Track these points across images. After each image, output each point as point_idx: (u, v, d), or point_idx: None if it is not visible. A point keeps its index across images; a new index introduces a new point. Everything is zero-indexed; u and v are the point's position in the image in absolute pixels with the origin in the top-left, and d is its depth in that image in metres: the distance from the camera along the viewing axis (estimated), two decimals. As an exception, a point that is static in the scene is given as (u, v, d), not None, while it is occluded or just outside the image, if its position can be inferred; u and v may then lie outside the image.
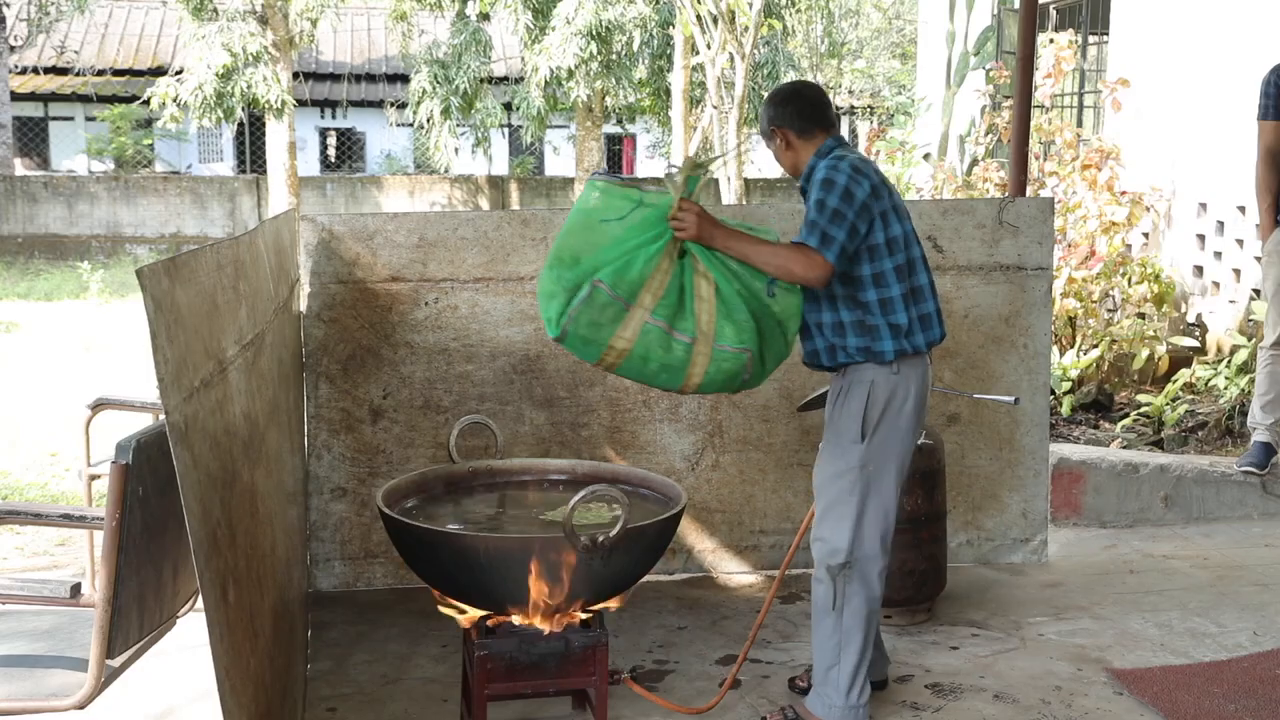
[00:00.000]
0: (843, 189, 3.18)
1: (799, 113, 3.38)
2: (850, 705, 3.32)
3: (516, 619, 3.14)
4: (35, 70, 23.85)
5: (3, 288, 15.40)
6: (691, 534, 4.68)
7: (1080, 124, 10.10)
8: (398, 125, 23.76)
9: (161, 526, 2.61)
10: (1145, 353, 6.91)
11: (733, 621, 4.27)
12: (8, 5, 21.33)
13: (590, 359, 3.16)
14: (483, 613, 3.18)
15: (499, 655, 3.09)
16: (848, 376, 3.33)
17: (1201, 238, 7.76)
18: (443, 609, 3.25)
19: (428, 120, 18.14)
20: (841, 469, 3.32)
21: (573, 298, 3.10)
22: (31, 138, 24.32)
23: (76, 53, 24.18)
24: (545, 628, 3.10)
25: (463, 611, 3.20)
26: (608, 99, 18.39)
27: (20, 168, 22.85)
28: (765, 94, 3.44)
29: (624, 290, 3.08)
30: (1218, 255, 7.58)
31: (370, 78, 25.43)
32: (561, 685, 3.21)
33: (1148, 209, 7.83)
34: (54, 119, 24.54)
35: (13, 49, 22.07)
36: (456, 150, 18.90)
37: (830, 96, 3.81)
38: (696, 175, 3.22)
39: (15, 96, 22.18)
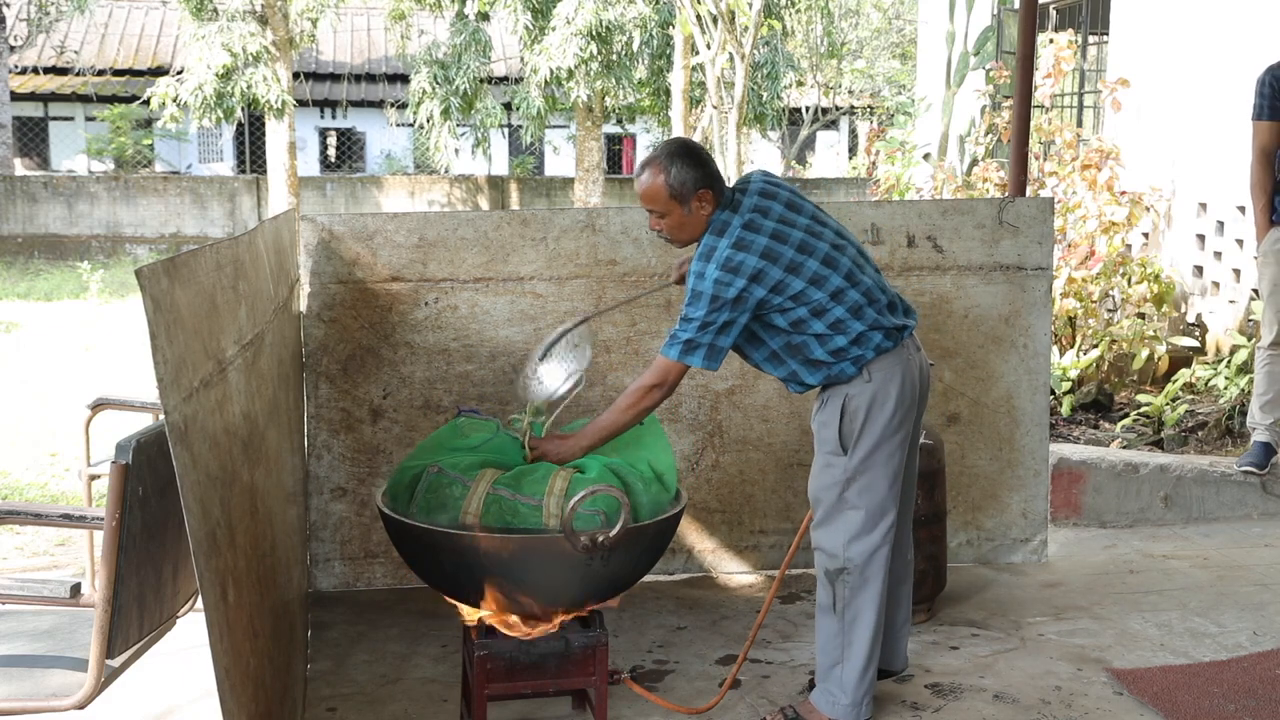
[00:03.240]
0: (710, 298, 3.12)
1: (716, 175, 3.25)
2: (854, 703, 3.33)
3: (516, 619, 3.14)
4: (35, 70, 23.86)
5: (3, 288, 15.40)
6: (691, 534, 4.68)
7: (1080, 124, 10.10)
8: (398, 125, 23.78)
9: (161, 526, 2.61)
10: (1145, 353, 6.91)
11: (733, 621, 4.27)
12: (8, 5, 21.33)
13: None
14: (482, 612, 3.19)
15: (499, 655, 3.10)
16: (824, 391, 3.33)
17: (1201, 238, 7.76)
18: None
19: (428, 120, 18.14)
20: (829, 482, 3.31)
21: (414, 488, 3.17)
22: (31, 138, 24.32)
23: (76, 53, 24.18)
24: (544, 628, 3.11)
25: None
26: (607, 99, 18.39)
27: (20, 168, 22.85)
28: (673, 152, 3.24)
29: (463, 470, 3.16)
30: (1218, 255, 7.58)
31: (370, 78, 25.43)
32: (561, 685, 3.22)
33: (1147, 209, 7.82)
34: (54, 119, 24.53)
35: (13, 49, 22.07)
36: (456, 150, 18.92)
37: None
38: (539, 421, 3.35)
39: (15, 96, 22.18)
